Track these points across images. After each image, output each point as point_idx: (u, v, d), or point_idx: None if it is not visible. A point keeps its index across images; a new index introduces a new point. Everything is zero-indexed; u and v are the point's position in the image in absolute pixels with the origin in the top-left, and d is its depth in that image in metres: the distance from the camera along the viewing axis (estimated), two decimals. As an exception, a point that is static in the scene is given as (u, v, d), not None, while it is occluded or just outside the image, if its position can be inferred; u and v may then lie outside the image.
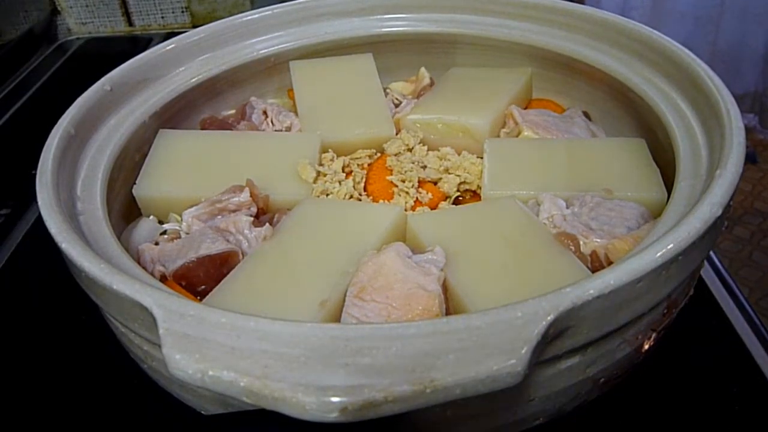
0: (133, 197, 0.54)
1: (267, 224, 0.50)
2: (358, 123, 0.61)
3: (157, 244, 0.51)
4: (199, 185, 0.54)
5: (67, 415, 0.50)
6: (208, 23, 0.66)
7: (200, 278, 0.46)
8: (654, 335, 0.40)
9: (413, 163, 0.58)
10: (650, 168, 0.53)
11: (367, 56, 0.69)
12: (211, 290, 0.44)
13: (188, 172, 0.56)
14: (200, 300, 0.45)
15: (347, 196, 0.55)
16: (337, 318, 0.42)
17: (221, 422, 0.39)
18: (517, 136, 0.59)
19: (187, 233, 0.51)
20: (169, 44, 0.62)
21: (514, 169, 0.54)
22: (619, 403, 0.45)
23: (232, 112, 0.68)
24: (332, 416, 0.28)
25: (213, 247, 0.47)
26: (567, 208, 0.50)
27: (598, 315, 0.34)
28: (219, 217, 0.52)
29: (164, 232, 0.53)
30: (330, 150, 0.59)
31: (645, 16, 2.01)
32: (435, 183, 0.57)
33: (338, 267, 0.44)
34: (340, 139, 0.60)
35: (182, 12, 1.19)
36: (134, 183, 0.55)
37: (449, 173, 0.57)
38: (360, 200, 0.56)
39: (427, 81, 0.69)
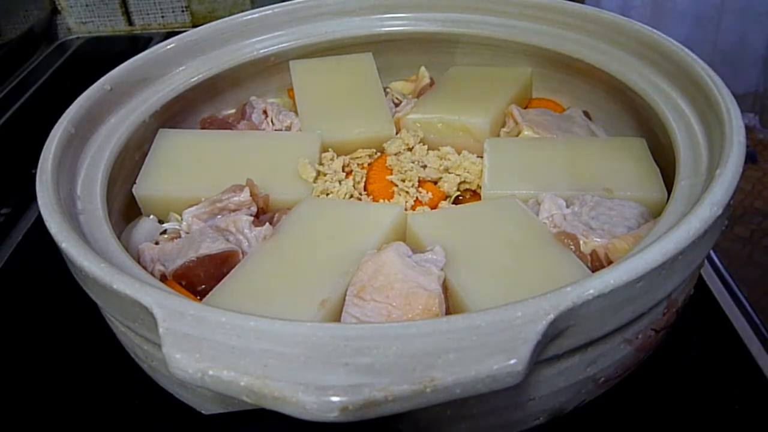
0: (133, 197, 0.54)
1: (267, 224, 0.50)
2: (358, 122, 0.61)
3: (157, 243, 0.51)
4: (199, 185, 0.54)
5: (67, 414, 0.50)
6: (208, 23, 0.66)
7: (200, 278, 0.46)
8: (654, 335, 0.40)
9: (413, 162, 0.58)
10: (650, 167, 0.53)
11: (367, 56, 0.69)
12: (211, 290, 0.44)
13: (188, 171, 0.56)
14: (200, 300, 0.45)
15: (347, 196, 0.55)
16: (337, 317, 0.42)
17: (221, 421, 0.39)
18: (517, 135, 0.59)
19: (187, 233, 0.51)
20: (169, 44, 0.62)
21: (514, 168, 0.54)
22: (619, 403, 0.45)
23: (233, 111, 0.68)
24: (332, 416, 0.28)
25: (213, 246, 0.47)
26: (567, 207, 0.50)
27: (598, 314, 0.34)
28: (219, 216, 0.52)
29: (164, 232, 0.53)
30: (330, 149, 0.59)
31: (645, 15, 2.01)
32: (435, 182, 0.57)
33: (338, 266, 0.44)
34: (340, 139, 0.60)
35: (182, 11, 1.19)
36: (134, 182, 0.55)
37: (449, 173, 0.57)
38: (360, 200, 0.56)
39: (427, 80, 0.69)
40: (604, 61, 0.59)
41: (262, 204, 0.52)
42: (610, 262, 0.44)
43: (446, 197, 0.56)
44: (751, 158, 2.05)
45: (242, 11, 0.68)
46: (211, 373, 0.30)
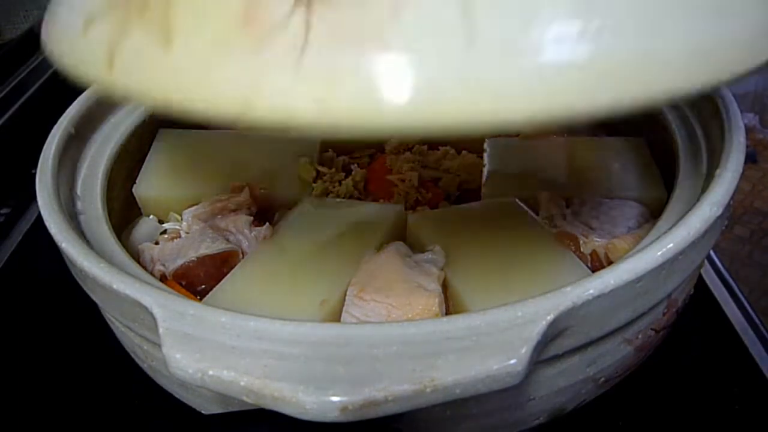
0: (133, 197, 0.54)
1: (267, 224, 0.50)
2: (358, 122, 0.61)
3: (157, 243, 0.51)
4: (199, 185, 0.54)
5: (66, 414, 0.50)
6: (208, 23, 0.65)
7: (200, 277, 0.46)
8: (654, 335, 0.40)
9: (413, 162, 0.58)
10: (650, 167, 0.53)
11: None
12: (211, 289, 0.44)
13: (188, 171, 0.56)
14: (200, 299, 0.45)
15: (347, 196, 0.55)
16: (337, 317, 0.42)
17: (221, 421, 0.39)
18: (517, 135, 0.59)
19: (187, 233, 0.51)
20: (169, 44, 0.62)
21: (514, 168, 0.54)
22: (619, 402, 0.45)
23: (232, 111, 0.68)
24: (332, 416, 0.28)
25: (213, 246, 0.47)
26: (567, 207, 0.50)
27: (598, 314, 0.34)
28: (219, 216, 0.52)
29: (164, 232, 0.53)
30: (330, 149, 0.59)
31: (645, 15, 2.00)
32: (435, 182, 0.57)
33: (338, 266, 0.44)
34: (340, 138, 0.60)
35: (182, 11, 1.19)
36: (134, 182, 0.55)
37: (449, 172, 0.57)
38: (360, 200, 0.56)
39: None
40: (604, 61, 0.59)
41: (262, 204, 0.52)
42: (610, 262, 0.44)
43: (446, 197, 0.56)
44: (751, 158, 2.05)
45: (242, 11, 0.68)
46: (211, 373, 0.30)
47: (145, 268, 0.44)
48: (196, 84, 0.24)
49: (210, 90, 0.24)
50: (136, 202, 0.55)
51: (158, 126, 0.59)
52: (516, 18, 0.22)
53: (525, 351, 0.30)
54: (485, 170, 0.54)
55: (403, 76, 0.22)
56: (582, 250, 0.46)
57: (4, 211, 0.73)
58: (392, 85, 0.22)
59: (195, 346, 0.31)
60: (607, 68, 0.22)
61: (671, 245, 0.34)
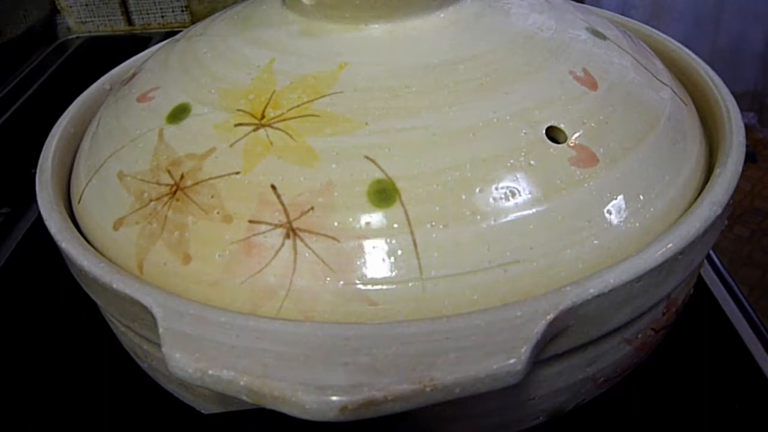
0: (133, 196, 0.54)
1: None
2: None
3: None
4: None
5: (66, 414, 0.50)
6: (207, 22, 0.65)
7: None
8: (654, 334, 0.40)
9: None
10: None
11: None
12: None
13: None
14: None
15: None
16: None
17: (221, 421, 0.39)
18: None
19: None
20: (169, 43, 0.62)
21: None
22: (619, 402, 0.45)
23: (232, 111, 0.68)
24: (332, 415, 0.28)
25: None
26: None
27: (597, 314, 0.34)
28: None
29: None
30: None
31: (645, 15, 2.01)
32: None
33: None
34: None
35: (182, 11, 1.19)
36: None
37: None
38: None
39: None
40: (603, 60, 0.59)
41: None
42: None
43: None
44: (750, 158, 2.06)
45: (242, 11, 0.68)
46: (210, 372, 0.30)
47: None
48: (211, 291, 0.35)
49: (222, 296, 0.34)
50: (136, 202, 0.55)
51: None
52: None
53: (525, 350, 0.30)
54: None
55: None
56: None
57: (4, 211, 0.73)
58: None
59: (195, 346, 0.31)
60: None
61: (671, 245, 0.34)
